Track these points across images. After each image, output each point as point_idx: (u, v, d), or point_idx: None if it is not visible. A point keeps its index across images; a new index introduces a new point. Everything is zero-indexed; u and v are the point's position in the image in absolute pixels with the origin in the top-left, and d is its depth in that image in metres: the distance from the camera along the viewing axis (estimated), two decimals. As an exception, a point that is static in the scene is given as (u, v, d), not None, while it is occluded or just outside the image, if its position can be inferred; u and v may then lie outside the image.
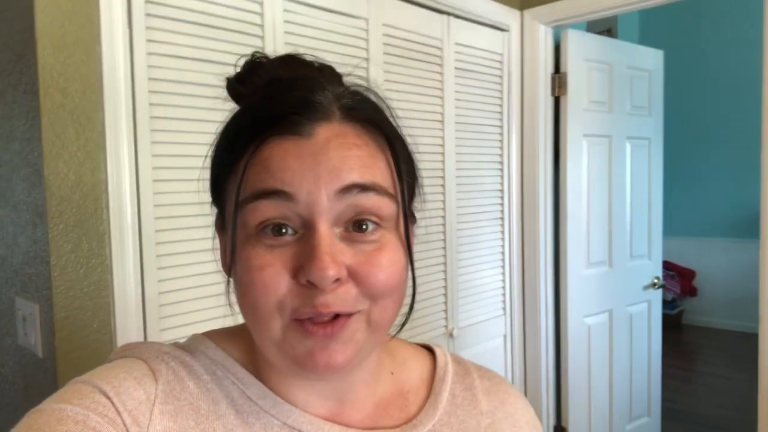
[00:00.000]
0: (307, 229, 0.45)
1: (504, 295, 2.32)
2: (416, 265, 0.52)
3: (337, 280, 0.44)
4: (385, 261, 0.46)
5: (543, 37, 2.29)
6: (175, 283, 1.32)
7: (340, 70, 0.55)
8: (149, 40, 1.26)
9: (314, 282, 0.43)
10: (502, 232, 2.30)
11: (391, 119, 0.52)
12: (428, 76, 1.93)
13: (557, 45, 2.35)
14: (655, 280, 2.77)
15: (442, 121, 1.99)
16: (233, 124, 0.50)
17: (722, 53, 5.14)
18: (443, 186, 2.01)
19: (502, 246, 2.30)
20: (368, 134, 0.49)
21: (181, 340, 0.57)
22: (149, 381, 0.48)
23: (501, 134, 2.26)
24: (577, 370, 2.46)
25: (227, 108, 0.53)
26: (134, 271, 1.25)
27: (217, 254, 0.55)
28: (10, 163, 1.25)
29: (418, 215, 0.57)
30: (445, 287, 2.04)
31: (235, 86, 0.53)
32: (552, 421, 2.47)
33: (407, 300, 0.52)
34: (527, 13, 2.29)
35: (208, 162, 0.53)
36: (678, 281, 5.35)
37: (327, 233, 0.45)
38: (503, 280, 2.32)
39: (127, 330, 1.24)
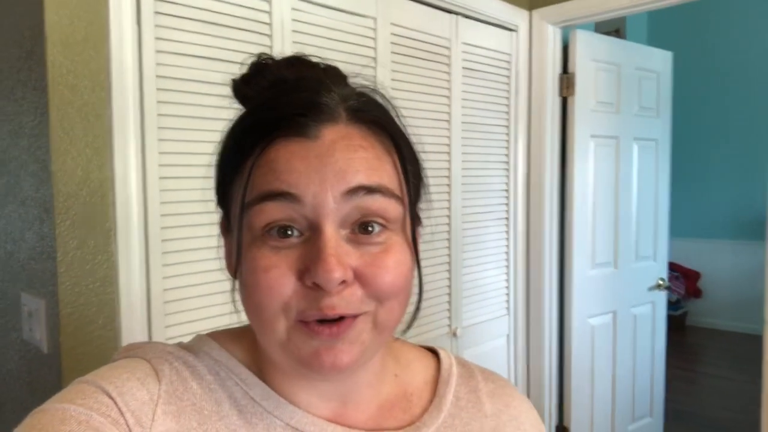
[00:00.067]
0: (312, 231, 0.45)
1: (508, 295, 2.32)
2: (421, 263, 0.52)
3: (343, 282, 0.44)
4: (391, 263, 0.46)
5: (551, 38, 2.29)
6: (181, 280, 1.32)
7: (346, 70, 0.55)
8: (158, 38, 1.26)
9: (320, 284, 0.43)
10: (507, 232, 2.30)
11: (397, 121, 0.52)
12: (436, 76, 1.93)
13: (565, 45, 2.34)
14: (660, 282, 2.76)
15: (449, 121, 1.99)
16: (239, 125, 0.50)
17: (731, 55, 5.11)
18: (449, 185, 2.01)
19: (507, 246, 2.30)
20: (374, 136, 0.49)
21: (186, 338, 0.57)
22: (152, 381, 0.48)
23: (508, 134, 2.26)
24: (581, 370, 2.46)
25: (235, 107, 0.53)
26: (140, 267, 1.25)
27: (222, 255, 0.55)
28: (18, 158, 1.25)
29: (423, 216, 0.57)
30: (449, 286, 2.04)
31: (241, 88, 0.53)
32: (554, 421, 2.47)
33: (413, 301, 0.52)
34: (536, 13, 2.28)
35: (214, 162, 0.53)
36: (683, 282, 5.34)
37: (333, 235, 0.45)
38: (507, 280, 2.31)
39: (132, 326, 1.24)
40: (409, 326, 0.54)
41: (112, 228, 1.22)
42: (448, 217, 2.02)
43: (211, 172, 0.54)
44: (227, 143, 0.51)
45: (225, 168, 0.51)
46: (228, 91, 0.54)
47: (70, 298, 1.17)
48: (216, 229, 0.56)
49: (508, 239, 2.30)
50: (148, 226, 1.27)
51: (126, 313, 1.24)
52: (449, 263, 2.03)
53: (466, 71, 2.05)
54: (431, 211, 0.57)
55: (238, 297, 0.50)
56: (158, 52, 1.27)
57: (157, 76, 1.27)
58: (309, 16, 1.54)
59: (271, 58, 0.53)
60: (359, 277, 0.45)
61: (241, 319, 0.51)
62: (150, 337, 1.28)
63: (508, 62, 2.24)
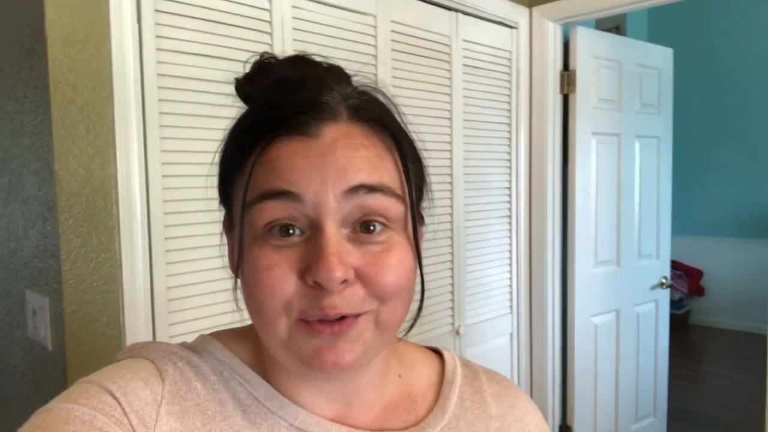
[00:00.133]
0: (314, 230, 0.45)
1: (511, 293, 2.32)
2: (423, 262, 0.52)
3: (345, 281, 0.44)
4: (393, 262, 0.46)
5: (552, 35, 2.28)
6: (184, 278, 1.32)
7: (348, 69, 0.55)
8: (158, 36, 1.27)
9: (321, 283, 0.43)
10: (510, 230, 2.30)
11: (398, 119, 0.52)
12: (436, 73, 1.93)
13: (566, 42, 2.34)
14: (663, 280, 2.75)
15: (450, 119, 1.99)
16: (241, 124, 0.50)
17: (731, 52, 5.10)
18: (451, 183, 2.01)
19: (510, 244, 2.30)
20: (376, 134, 0.49)
21: (190, 336, 0.57)
22: (156, 381, 0.48)
23: (509, 132, 2.26)
24: (584, 369, 2.46)
25: (236, 105, 0.53)
26: (143, 265, 1.25)
27: (225, 253, 0.55)
28: (21, 157, 1.26)
29: (426, 215, 0.57)
30: (452, 285, 2.04)
31: (244, 87, 0.53)
32: (558, 420, 2.47)
33: (416, 299, 0.52)
34: (536, 10, 2.28)
35: (217, 161, 0.53)
36: (685, 281, 5.33)
37: (334, 234, 0.44)
38: (510, 279, 2.31)
39: (136, 324, 1.25)
40: (411, 326, 0.54)
41: (115, 226, 1.22)
42: (451, 215, 2.02)
43: (214, 171, 0.54)
44: (229, 142, 0.51)
45: (227, 166, 0.51)
46: (230, 89, 0.54)
47: (74, 296, 1.18)
48: (219, 228, 0.56)
49: (510, 237, 2.30)
50: (151, 224, 1.27)
51: (130, 310, 1.24)
52: (452, 261, 2.03)
53: (466, 69, 2.05)
54: (433, 209, 0.57)
55: (240, 295, 0.50)
56: (159, 50, 1.27)
57: (159, 75, 1.27)
58: (309, 14, 1.54)
59: (274, 58, 0.53)
60: (361, 277, 0.45)
61: (244, 317, 0.51)
62: (154, 334, 1.28)
63: (508, 59, 2.24)
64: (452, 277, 2.04)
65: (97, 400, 0.45)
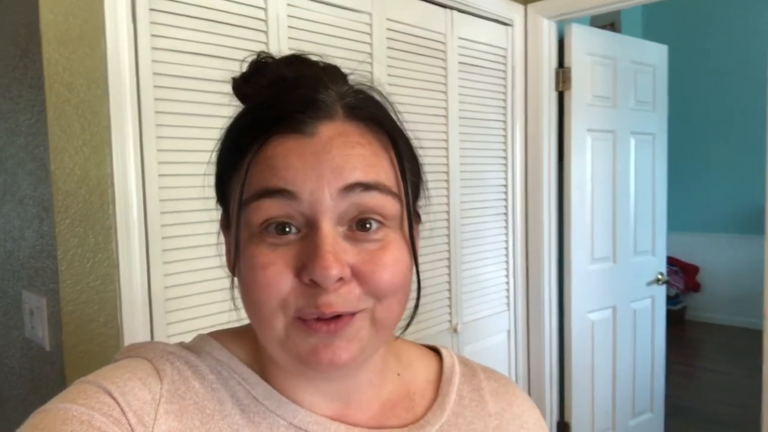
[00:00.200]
0: (310, 228, 0.45)
1: (508, 290, 2.33)
2: (420, 260, 0.52)
3: (341, 279, 0.44)
4: (389, 260, 0.46)
5: (547, 32, 2.29)
6: (181, 278, 1.32)
7: (344, 68, 0.55)
8: (153, 35, 1.26)
9: (317, 281, 0.43)
10: (506, 228, 2.30)
11: (394, 118, 0.52)
12: (432, 71, 1.93)
13: (561, 39, 2.34)
14: (659, 276, 2.76)
15: (445, 116, 1.99)
16: (237, 123, 0.51)
17: (726, 48, 5.11)
18: (447, 181, 2.01)
19: (506, 241, 2.31)
20: (372, 133, 0.49)
21: (188, 335, 0.57)
22: (154, 381, 0.48)
23: (505, 129, 2.26)
24: (581, 365, 2.46)
25: (233, 104, 0.54)
26: (140, 265, 1.25)
27: (222, 252, 0.55)
28: (16, 157, 1.26)
29: (422, 213, 0.57)
30: (449, 282, 2.04)
31: (241, 86, 0.53)
32: (555, 417, 2.48)
33: (412, 300, 0.52)
34: (531, 7, 2.28)
35: (214, 160, 0.53)
36: (681, 277, 5.35)
37: (330, 232, 0.45)
38: (507, 276, 2.32)
39: (133, 324, 1.25)
40: (408, 324, 0.54)
41: (111, 226, 1.22)
42: (447, 212, 2.02)
43: (211, 169, 0.54)
44: (225, 141, 0.51)
45: (223, 165, 0.51)
46: (226, 88, 0.54)
47: (72, 296, 1.18)
48: (216, 227, 0.56)
49: (507, 234, 2.30)
50: (147, 223, 1.27)
51: (127, 310, 1.24)
52: (449, 259, 2.03)
53: (462, 66, 2.05)
54: (430, 207, 0.57)
55: (238, 294, 0.50)
56: (154, 49, 1.27)
57: (154, 74, 1.27)
58: (305, 12, 1.54)
59: (271, 57, 0.53)
60: (357, 275, 0.45)
61: (241, 316, 0.51)
62: (151, 334, 1.28)
63: (504, 57, 2.24)
64: (449, 274, 2.04)
65: (95, 399, 0.45)
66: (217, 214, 0.56)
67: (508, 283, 2.33)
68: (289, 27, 1.50)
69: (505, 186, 2.28)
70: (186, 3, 1.31)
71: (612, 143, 2.51)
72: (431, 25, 1.93)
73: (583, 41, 2.35)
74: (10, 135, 1.27)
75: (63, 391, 0.47)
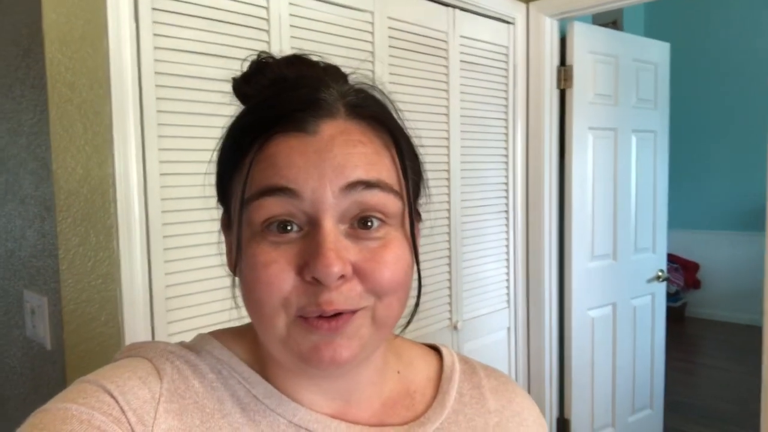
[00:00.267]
0: (312, 226, 0.45)
1: (508, 287, 2.33)
2: (421, 258, 0.52)
3: (342, 276, 0.44)
4: (390, 258, 0.47)
5: (548, 30, 2.28)
6: (182, 277, 1.33)
7: (345, 68, 0.56)
8: (156, 34, 1.26)
9: (319, 278, 0.43)
10: (507, 225, 2.30)
11: (395, 116, 0.52)
12: (433, 70, 1.93)
13: (563, 37, 2.34)
14: (660, 273, 2.77)
15: (447, 114, 1.99)
16: (239, 122, 0.51)
17: (728, 46, 5.11)
18: (448, 179, 2.01)
19: (507, 239, 2.31)
20: (373, 131, 0.49)
21: (189, 333, 0.57)
22: (154, 380, 0.48)
23: (506, 127, 2.26)
24: (581, 362, 2.47)
25: (234, 103, 0.54)
26: (141, 264, 1.26)
27: (223, 251, 0.55)
28: (18, 156, 1.26)
29: (423, 210, 0.57)
30: (450, 280, 2.04)
31: (241, 86, 0.53)
32: (555, 413, 2.48)
33: (412, 298, 0.52)
34: (533, 5, 2.28)
35: (215, 159, 0.53)
36: (682, 274, 5.35)
37: (332, 230, 0.45)
38: (507, 273, 2.32)
39: (135, 323, 1.25)
40: (408, 322, 0.54)
41: (113, 225, 1.22)
42: (448, 210, 2.02)
43: (212, 168, 0.54)
44: (227, 140, 0.51)
45: (225, 165, 0.51)
46: (227, 87, 0.54)
47: (73, 295, 1.18)
48: (217, 226, 0.56)
49: (507, 232, 2.31)
50: (149, 222, 1.27)
51: (128, 309, 1.24)
52: (449, 257, 2.04)
53: (463, 64, 2.05)
54: (431, 205, 0.58)
55: (239, 293, 0.50)
56: (156, 48, 1.27)
57: (156, 73, 1.27)
58: (306, 11, 1.54)
59: (272, 57, 0.53)
60: (358, 273, 0.46)
61: (242, 314, 0.51)
62: (152, 333, 1.28)
63: (505, 55, 2.24)
64: (449, 272, 2.04)
65: (95, 399, 0.45)
66: (218, 213, 0.56)
67: (508, 280, 2.33)
68: (291, 26, 1.50)
69: (506, 184, 2.28)
70: (188, 2, 1.31)
71: (613, 141, 2.51)
72: (433, 23, 1.93)
73: (585, 39, 2.34)
74: (13, 134, 1.27)
75: (63, 390, 0.47)
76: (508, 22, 2.23)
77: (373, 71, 1.70)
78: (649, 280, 2.75)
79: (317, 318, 0.45)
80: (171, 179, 1.30)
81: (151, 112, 1.26)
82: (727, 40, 5.10)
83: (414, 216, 0.51)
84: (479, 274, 2.18)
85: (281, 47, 1.47)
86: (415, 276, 0.51)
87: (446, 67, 1.98)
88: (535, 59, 2.30)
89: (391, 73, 1.77)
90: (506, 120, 2.26)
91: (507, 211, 2.30)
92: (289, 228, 0.46)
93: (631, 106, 2.57)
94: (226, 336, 0.56)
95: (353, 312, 0.46)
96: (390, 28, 1.77)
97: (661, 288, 2.82)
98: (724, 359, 4.42)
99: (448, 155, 2.00)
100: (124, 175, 1.23)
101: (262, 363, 0.53)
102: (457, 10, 2.01)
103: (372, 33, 1.72)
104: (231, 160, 0.50)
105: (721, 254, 5.32)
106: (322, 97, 0.48)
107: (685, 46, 4.99)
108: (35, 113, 1.17)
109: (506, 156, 2.27)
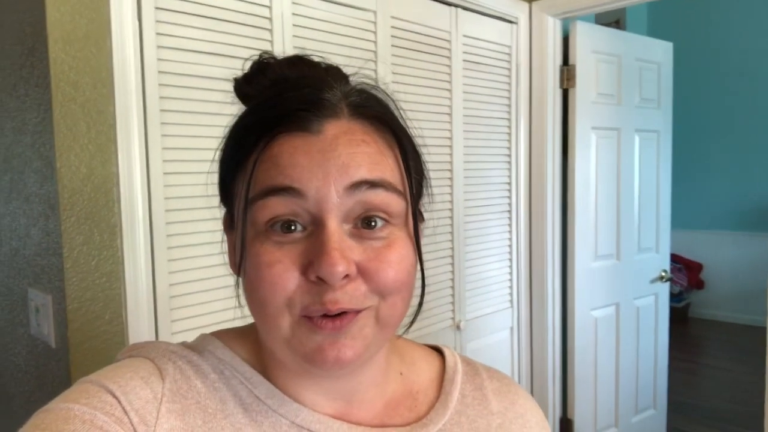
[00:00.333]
0: (316, 226, 0.45)
1: (511, 287, 2.33)
2: (424, 258, 0.52)
3: (347, 276, 0.44)
4: (394, 257, 0.47)
5: (551, 29, 2.28)
6: (186, 275, 1.33)
7: (347, 69, 0.56)
8: (159, 34, 1.27)
9: (324, 278, 0.43)
10: (510, 225, 2.30)
11: (398, 116, 0.52)
12: (436, 69, 1.93)
13: (566, 37, 2.34)
14: (663, 274, 2.76)
15: (450, 114, 1.99)
16: (241, 122, 0.51)
17: (731, 45, 5.09)
18: (451, 179, 2.01)
19: (510, 239, 2.31)
20: (376, 131, 0.49)
21: (192, 332, 0.57)
22: (156, 380, 0.48)
23: (509, 127, 2.26)
24: (584, 362, 2.47)
25: (236, 102, 0.54)
26: (145, 263, 1.26)
27: (226, 251, 0.55)
28: (22, 155, 1.26)
29: (426, 210, 0.57)
30: (453, 280, 2.04)
31: (243, 86, 0.53)
32: (558, 413, 2.48)
33: (416, 294, 0.52)
34: (535, 5, 2.28)
35: (218, 159, 0.53)
36: (685, 274, 5.34)
37: (336, 229, 0.45)
38: (510, 273, 2.32)
39: (138, 321, 1.25)
40: (412, 321, 0.54)
41: (117, 224, 1.23)
42: (451, 210, 2.02)
43: (215, 168, 0.54)
44: (229, 140, 0.51)
45: (228, 165, 0.51)
46: (230, 86, 0.54)
47: (77, 293, 1.18)
48: (220, 224, 0.56)
49: (510, 232, 2.30)
50: (152, 221, 1.27)
51: (132, 308, 1.25)
52: (452, 257, 2.04)
53: (466, 64, 2.05)
54: (434, 204, 0.58)
55: (242, 292, 0.50)
56: (159, 47, 1.27)
57: (159, 72, 1.27)
58: (309, 10, 1.54)
59: (273, 58, 0.53)
60: (362, 272, 0.46)
61: (246, 313, 0.51)
62: (156, 331, 1.29)
63: (508, 54, 2.24)
64: (452, 272, 2.04)
65: (97, 399, 0.45)
66: (220, 212, 0.56)
67: (511, 280, 2.33)
68: (294, 25, 1.50)
69: (509, 183, 2.28)
70: (191, 1, 1.31)
71: (616, 141, 2.50)
72: (436, 22, 1.93)
73: (588, 39, 2.34)
74: (17, 133, 1.28)
75: (65, 390, 0.47)
76: (511, 22, 2.23)
77: (375, 70, 1.70)
78: (653, 281, 2.74)
79: (321, 317, 0.45)
80: (174, 178, 1.30)
81: (154, 111, 1.26)
82: (730, 39, 5.09)
83: (416, 216, 0.51)
84: (482, 274, 2.18)
85: (284, 46, 1.47)
86: (418, 276, 0.51)
87: (449, 66, 1.98)
88: (538, 59, 2.29)
89: (393, 73, 1.78)
90: (509, 120, 2.26)
91: (510, 211, 2.30)
92: (293, 228, 0.46)
93: (634, 105, 2.57)
94: (228, 336, 0.56)
95: (357, 312, 0.46)
96: (393, 27, 1.77)
97: (664, 288, 2.82)
98: (728, 360, 4.41)
99: (451, 155, 2.00)
100: (128, 174, 1.23)
101: (264, 363, 0.53)
102: (459, 10, 2.01)
103: (375, 32, 1.72)
104: (234, 160, 0.50)
105: (724, 254, 5.30)
106: (326, 97, 0.48)
107: (688, 46, 4.98)
108: (39, 112, 1.18)
109: (509, 156, 2.27)
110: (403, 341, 0.62)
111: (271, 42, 1.45)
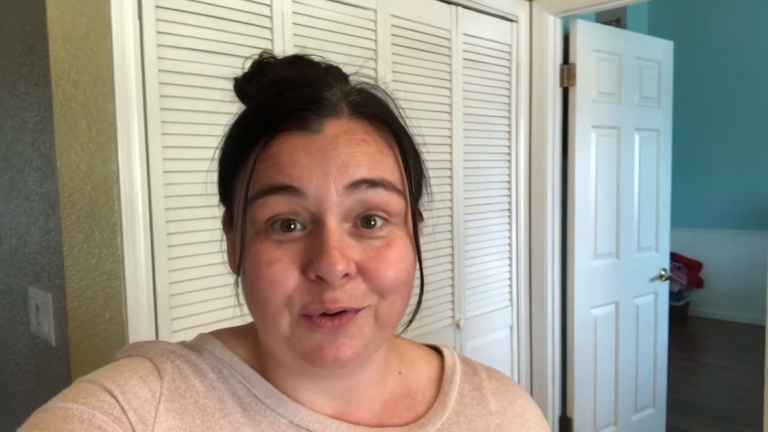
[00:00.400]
0: (315, 225, 0.45)
1: (511, 286, 2.33)
2: (423, 256, 0.52)
3: (346, 275, 0.44)
4: (393, 257, 0.47)
5: (552, 28, 2.28)
6: (186, 274, 1.33)
7: (346, 68, 0.56)
8: (159, 32, 1.27)
9: (323, 277, 0.43)
10: (510, 224, 2.30)
11: (398, 116, 0.52)
12: (437, 68, 1.93)
13: (566, 35, 2.34)
14: (662, 272, 2.76)
15: (450, 113, 1.99)
16: (241, 121, 0.51)
17: (732, 44, 5.09)
18: (451, 177, 2.01)
19: (509, 237, 2.31)
20: (376, 131, 0.49)
21: (192, 330, 0.57)
22: (154, 379, 0.48)
23: (509, 125, 2.26)
24: (583, 361, 2.47)
25: (237, 101, 0.54)
26: (145, 261, 1.26)
27: (225, 251, 0.55)
28: (23, 154, 1.26)
29: (426, 208, 0.57)
30: (452, 278, 2.05)
31: (243, 86, 0.53)
32: (558, 412, 2.48)
33: (415, 293, 0.53)
34: (536, 3, 2.28)
35: (217, 159, 0.53)
36: (685, 272, 5.34)
37: (336, 228, 0.45)
38: (510, 272, 2.32)
39: (138, 319, 1.26)
40: (410, 321, 0.54)
41: (117, 222, 1.23)
42: (451, 209, 2.03)
43: (215, 167, 0.54)
44: (229, 139, 0.51)
45: (227, 163, 0.51)
46: (230, 85, 0.54)
47: (77, 291, 1.18)
48: (220, 223, 0.57)
49: (510, 230, 2.31)
50: (152, 220, 1.27)
51: (132, 306, 1.25)
52: (452, 255, 2.04)
53: (467, 62, 2.05)
54: (433, 203, 0.58)
55: (241, 292, 0.50)
56: (160, 46, 1.27)
57: (160, 70, 1.27)
58: (310, 9, 1.54)
59: (273, 57, 0.53)
60: (362, 271, 0.46)
61: (245, 312, 0.51)
62: (156, 329, 1.29)
63: (508, 53, 2.24)
64: (452, 270, 2.04)
65: (95, 398, 0.45)
66: (220, 210, 0.56)
67: (510, 279, 2.33)
68: (294, 24, 1.50)
69: (509, 182, 2.28)
70: (192, 0, 1.31)
71: (616, 139, 2.50)
72: (436, 21, 1.93)
73: (588, 37, 2.34)
74: (17, 132, 1.28)
75: (63, 390, 0.47)
76: (511, 20, 2.23)
77: (376, 69, 1.70)
78: (652, 279, 2.74)
79: (321, 316, 0.45)
80: (174, 177, 1.31)
81: (154, 109, 1.27)
82: (731, 38, 5.09)
83: (416, 216, 0.51)
84: (482, 273, 2.18)
85: (284, 45, 1.47)
86: (417, 275, 0.51)
87: (449, 65, 1.98)
88: (538, 57, 2.29)
89: (394, 71, 1.78)
90: (509, 118, 2.26)
91: (510, 210, 2.30)
92: (292, 226, 0.46)
93: (635, 104, 2.57)
94: (227, 335, 0.56)
95: (356, 311, 0.46)
96: (393, 26, 1.77)
97: (664, 287, 2.82)
98: (727, 358, 4.41)
99: (450, 153, 2.00)
100: (128, 172, 1.23)
101: (263, 363, 0.53)
102: (460, 8, 2.01)
103: (375, 31, 1.72)
104: (234, 158, 0.50)
105: (724, 253, 5.30)
106: (326, 97, 0.48)
107: (688, 45, 4.98)
108: (39, 110, 1.18)
109: (509, 154, 2.27)
110: (401, 341, 0.62)
111: (272, 41, 1.45)
